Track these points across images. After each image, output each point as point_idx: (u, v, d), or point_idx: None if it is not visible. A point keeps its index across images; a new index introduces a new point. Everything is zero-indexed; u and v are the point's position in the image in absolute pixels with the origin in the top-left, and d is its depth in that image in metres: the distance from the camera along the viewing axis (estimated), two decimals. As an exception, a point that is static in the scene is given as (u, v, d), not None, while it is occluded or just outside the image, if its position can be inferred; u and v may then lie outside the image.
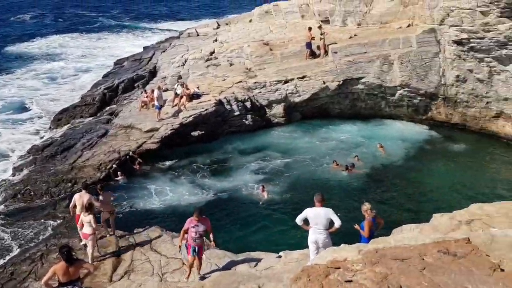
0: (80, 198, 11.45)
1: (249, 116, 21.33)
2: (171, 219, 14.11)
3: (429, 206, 14.12)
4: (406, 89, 21.26)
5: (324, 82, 21.66)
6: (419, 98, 21.48)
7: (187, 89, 20.76)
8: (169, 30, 53.24)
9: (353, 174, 16.95)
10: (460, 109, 21.06)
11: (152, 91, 21.05)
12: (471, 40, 18.74)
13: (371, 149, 19.18)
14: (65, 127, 22.41)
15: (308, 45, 22.71)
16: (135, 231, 12.61)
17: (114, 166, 17.19)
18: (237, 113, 21.05)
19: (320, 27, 23.94)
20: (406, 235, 6.63)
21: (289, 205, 14.88)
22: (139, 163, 17.77)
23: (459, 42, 19.33)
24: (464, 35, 18.81)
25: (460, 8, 18.47)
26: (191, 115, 20.02)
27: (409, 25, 22.30)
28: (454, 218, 8.60)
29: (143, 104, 21.60)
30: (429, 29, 20.41)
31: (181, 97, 20.52)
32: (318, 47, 22.82)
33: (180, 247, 9.97)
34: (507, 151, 19.01)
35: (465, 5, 18.18)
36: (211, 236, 9.71)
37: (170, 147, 19.15)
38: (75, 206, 11.62)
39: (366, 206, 9.26)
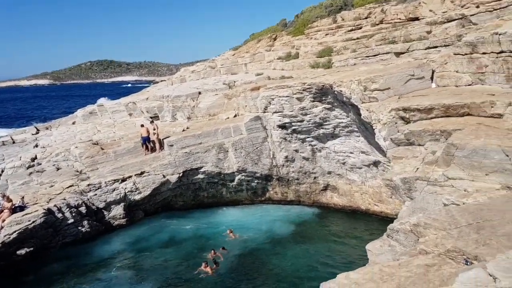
0: None
1: (85, 222, 19.32)
2: None
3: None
4: (243, 173, 22.20)
5: (164, 176, 21.25)
6: (256, 181, 22.59)
7: (9, 201, 17.94)
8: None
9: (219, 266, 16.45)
10: (293, 187, 22.77)
11: (-40, 209, 17.57)
12: (293, 124, 20.91)
13: (224, 236, 19.06)
14: None
15: (144, 140, 22.29)
16: None
17: None
18: (71, 220, 18.88)
19: (152, 122, 23.97)
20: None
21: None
22: None
23: (282, 126, 21.36)
24: (286, 120, 20.90)
25: (279, 97, 20.66)
26: (14, 231, 17.15)
27: (235, 115, 23.90)
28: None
29: None
30: (254, 116, 22.12)
31: (1, 211, 17.58)
32: (153, 142, 22.57)
33: None
34: (341, 218, 20.89)
35: (283, 94, 20.42)
36: None
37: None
38: None
39: None
